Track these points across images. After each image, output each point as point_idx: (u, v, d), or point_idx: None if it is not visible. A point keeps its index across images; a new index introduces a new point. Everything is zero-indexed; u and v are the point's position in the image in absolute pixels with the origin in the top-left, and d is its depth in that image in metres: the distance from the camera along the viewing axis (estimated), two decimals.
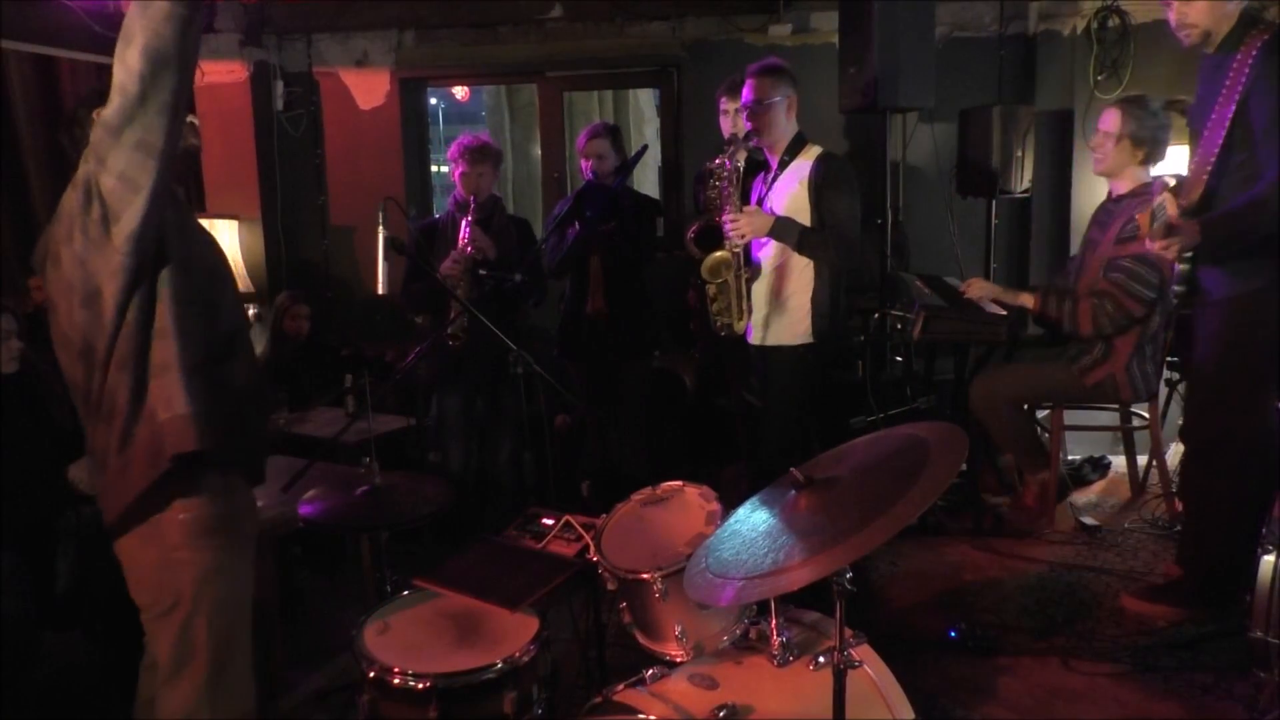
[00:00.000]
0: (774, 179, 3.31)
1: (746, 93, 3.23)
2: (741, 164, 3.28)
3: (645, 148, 3.87)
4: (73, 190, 1.79)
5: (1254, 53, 2.73)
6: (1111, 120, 3.50)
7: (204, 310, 1.88)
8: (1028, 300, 3.66)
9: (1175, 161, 3.88)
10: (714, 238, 3.24)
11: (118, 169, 1.71)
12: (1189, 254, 2.93)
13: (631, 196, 4.11)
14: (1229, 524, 3.01)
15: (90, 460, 1.93)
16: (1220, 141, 2.80)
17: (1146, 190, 3.44)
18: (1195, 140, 2.94)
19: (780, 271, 3.26)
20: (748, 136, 3.21)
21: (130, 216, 1.73)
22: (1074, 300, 3.49)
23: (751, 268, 3.29)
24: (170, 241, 1.82)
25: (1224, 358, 2.96)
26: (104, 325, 1.78)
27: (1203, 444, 3.09)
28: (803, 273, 3.23)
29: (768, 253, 3.29)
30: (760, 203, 3.32)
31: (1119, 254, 3.43)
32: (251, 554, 2.05)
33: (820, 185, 3.17)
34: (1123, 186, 3.56)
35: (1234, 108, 2.76)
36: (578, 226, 3.83)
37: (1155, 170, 3.59)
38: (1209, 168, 2.83)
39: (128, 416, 1.81)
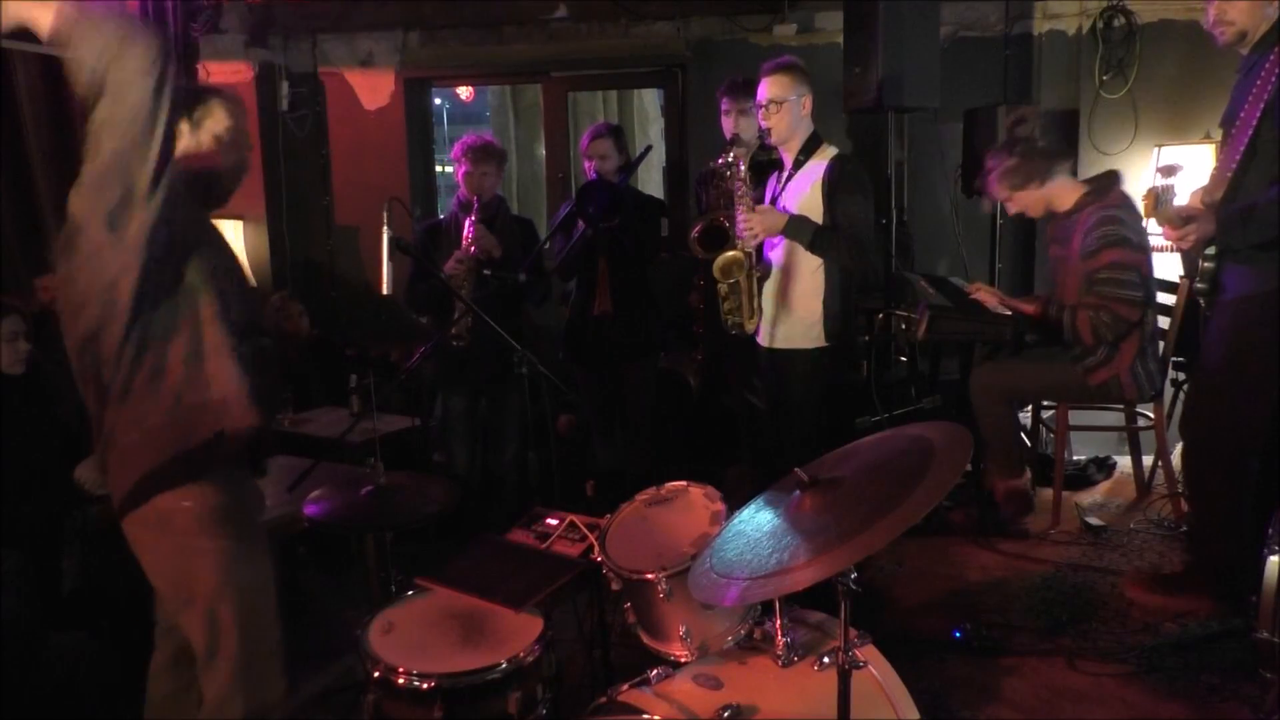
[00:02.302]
0: (788, 179, 3.26)
1: (761, 91, 3.17)
2: (745, 164, 3.25)
3: (649, 148, 3.88)
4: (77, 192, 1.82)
5: None
6: (997, 191, 3.60)
7: (226, 298, 1.93)
8: (1029, 308, 3.67)
9: (1187, 160, 3.88)
10: (718, 238, 3.22)
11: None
12: (1211, 250, 2.92)
13: (635, 196, 4.10)
14: (1227, 516, 3.02)
15: (97, 443, 1.97)
16: (1245, 141, 2.77)
17: (1093, 197, 3.46)
18: (1225, 138, 2.92)
19: (791, 272, 3.22)
20: (761, 137, 3.15)
21: (141, 222, 1.76)
22: (1072, 310, 3.49)
23: (763, 266, 3.26)
24: (189, 235, 1.88)
25: (1229, 354, 2.96)
26: (118, 313, 1.83)
27: (1200, 437, 3.09)
28: (814, 274, 3.18)
29: (779, 252, 3.25)
30: (774, 202, 3.28)
31: (1092, 268, 3.41)
32: (264, 542, 2.10)
33: (834, 187, 3.12)
34: (1064, 204, 3.56)
35: (1262, 108, 2.72)
36: (582, 226, 3.82)
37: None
38: (1232, 166, 2.81)
39: (146, 395, 1.86)
